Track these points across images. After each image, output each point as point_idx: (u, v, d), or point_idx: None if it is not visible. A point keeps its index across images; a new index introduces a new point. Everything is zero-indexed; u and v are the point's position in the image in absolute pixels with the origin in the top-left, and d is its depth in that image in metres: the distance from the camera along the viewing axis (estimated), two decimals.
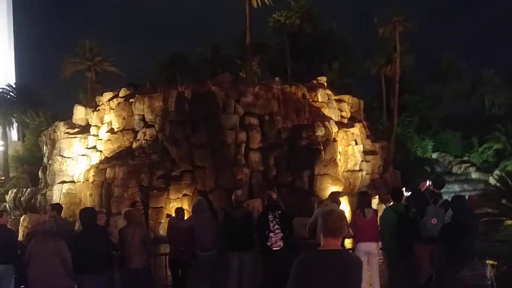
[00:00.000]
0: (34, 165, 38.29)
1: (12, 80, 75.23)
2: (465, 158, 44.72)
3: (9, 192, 31.40)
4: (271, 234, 7.28)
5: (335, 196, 8.96)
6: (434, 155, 44.75)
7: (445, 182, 8.46)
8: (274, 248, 7.08)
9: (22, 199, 29.45)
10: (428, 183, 9.19)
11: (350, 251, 4.62)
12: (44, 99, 48.58)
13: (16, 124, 47.98)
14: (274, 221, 7.31)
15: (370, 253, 7.52)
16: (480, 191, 32.86)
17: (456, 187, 39.56)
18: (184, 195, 23.91)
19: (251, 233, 7.50)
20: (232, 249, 7.64)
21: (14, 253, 7.91)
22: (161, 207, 23.50)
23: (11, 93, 47.38)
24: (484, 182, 40.06)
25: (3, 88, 46.64)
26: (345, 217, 4.82)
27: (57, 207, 8.90)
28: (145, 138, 25.42)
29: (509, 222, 12.34)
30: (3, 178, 45.07)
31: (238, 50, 44.36)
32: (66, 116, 35.68)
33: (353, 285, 3.74)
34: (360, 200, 7.96)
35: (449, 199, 7.38)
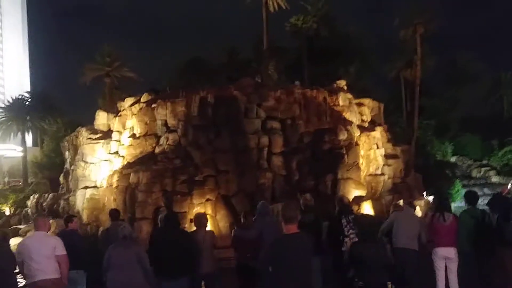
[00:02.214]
0: (53, 171, 38.57)
1: (26, 86, 75.96)
2: (484, 162, 44.30)
3: (31, 198, 31.58)
4: (346, 239, 7.16)
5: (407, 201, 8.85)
6: (453, 159, 44.36)
7: None
8: None
9: (44, 204, 29.56)
10: (509, 186, 9.09)
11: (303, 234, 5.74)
12: (60, 105, 49.00)
13: (33, 130, 48.34)
14: (348, 226, 7.20)
15: (449, 258, 7.40)
16: None
17: (477, 191, 39.13)
18: (208, 199, 23.79)
19: (320, 237, 7.39)
20: None
21: (85, 258, 7.95)
22: (185, 212, 23.37)
23: (29, 100, 47.82)
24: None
25: (21, 95, 47.14)
26: (298, 208, 6.09)
27: (114, 212, 8.90)
28: (167, 143, 25.40)
29: None
30: (20, 183, 45.48)
31: (254, 54, 44.44)
32: (84, 122, 35.86)
33: (308, 255, 5.31)
34: (440, 204, 7.82)
35: None
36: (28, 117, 45.22)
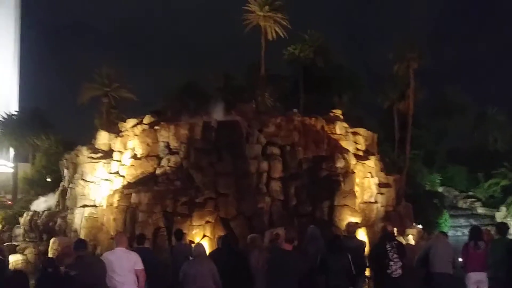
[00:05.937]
0: (45, 188, 38.41)
1: (14, 103, 75.56)
2: (470, 193, 45.46)
3: (24, 215, 31.31)
4: (391, 263, 7.89)
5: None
6: (440, 189, 45.43)
7: None
8: (393, 276, 7.65)
9: (38, 221, 29.39)
10: None
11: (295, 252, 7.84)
12: (51, 122, 48.92)
13: (25, 146, 48.10)
14: (392, 250, 7.91)
15: (480, 282, 8.18)
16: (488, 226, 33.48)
17: (462, 221, 40.21)
18: (207, 222, 24.17)
19: (363, 261, 8.04)
20: None
21: (155, 274, 8.56)
22: (184, 233, 23.67)
23: (21, 116, 47.82)
24: (490, 217, 40.72)
25: (16, 111, 47.18)
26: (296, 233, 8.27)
27: (178, 233, 9.46)
28: (169, 164, 25.80)
29: None
30: (6, 200, 45.06)
31: (248, 80, 45.25)
32: (76, 139, 36.07)
33: (294, 267, 7.33)
34: (473, 233, 8.59)
35: None
36: (21, 133, 45.14)
